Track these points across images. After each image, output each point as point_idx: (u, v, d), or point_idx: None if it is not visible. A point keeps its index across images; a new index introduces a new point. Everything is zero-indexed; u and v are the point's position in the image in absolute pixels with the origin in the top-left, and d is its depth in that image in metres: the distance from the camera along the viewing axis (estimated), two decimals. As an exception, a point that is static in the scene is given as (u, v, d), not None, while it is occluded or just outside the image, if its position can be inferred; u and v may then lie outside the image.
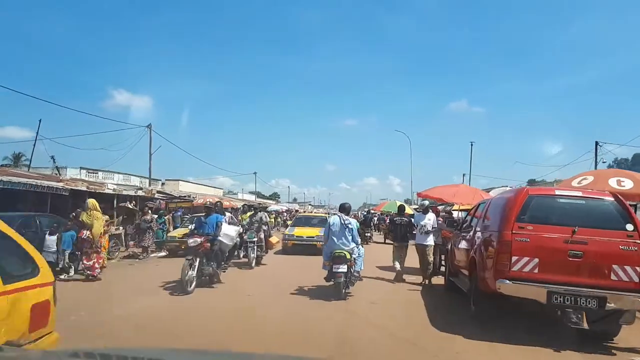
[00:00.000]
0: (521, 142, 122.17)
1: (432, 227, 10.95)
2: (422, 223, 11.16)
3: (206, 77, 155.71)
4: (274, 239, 15.93)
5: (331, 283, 8.74)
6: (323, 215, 20.78)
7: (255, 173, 64.25)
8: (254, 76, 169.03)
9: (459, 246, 8.82)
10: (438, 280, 11.04)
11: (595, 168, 32.97)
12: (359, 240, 9.29)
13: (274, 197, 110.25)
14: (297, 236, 18.26)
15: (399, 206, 14.57)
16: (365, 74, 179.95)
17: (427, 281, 10.62)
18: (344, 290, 8.59)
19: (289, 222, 34.27)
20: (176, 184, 49.95)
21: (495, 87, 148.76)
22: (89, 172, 39.25)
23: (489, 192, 21.26)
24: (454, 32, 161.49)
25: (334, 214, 10.42)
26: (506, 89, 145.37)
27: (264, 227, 14.48)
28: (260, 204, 50.85)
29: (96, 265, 10.69)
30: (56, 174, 27.68)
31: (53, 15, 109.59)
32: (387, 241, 23.64)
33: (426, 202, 11.03)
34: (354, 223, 9.43)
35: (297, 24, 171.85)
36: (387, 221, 27.17)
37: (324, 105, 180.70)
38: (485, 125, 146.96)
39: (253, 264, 13.08)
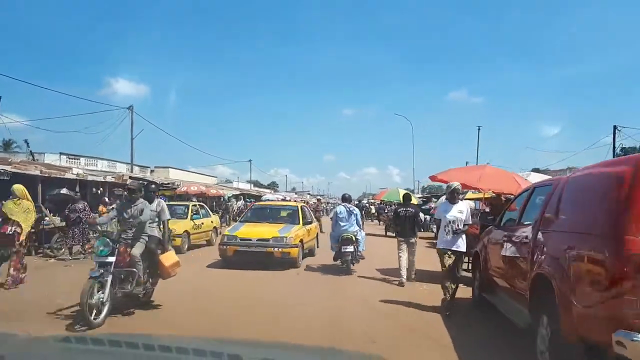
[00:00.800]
0: (525, 131, 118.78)
1: (464, 225, 7.20)
2: (450, 217, 7.18)
3: (204, 66, 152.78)
4: (168, 257, 6.96)
5: (338, 262, 10.63)
6: (294, 205, 14.22)
7: (250, 161, 61.49)
8: (252, 66, 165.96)
9: (503, 252, 5.92)
10: (461, 291, 7.96)
11: (614, 155, 30.10)
12: (362, 224, 11.30)
13: (272, 186, 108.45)
14: (241, 238, 11.03)
15: (404, 195, 11.88)
16: (363, 63, 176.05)
17: (448, 295, 7.31)
18: (351, 266, 10.49)
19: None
20: (166, 171, 47.23)
21: (496, 75, 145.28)
22: (69, 158, 36.34)
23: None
24: (453, 20, 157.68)
25: (339, 204, 12.46)
26: (509, 77, 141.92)
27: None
28: (241, 193, 48.20)
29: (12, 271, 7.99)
30: (30, 160, 24.98)
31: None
32: (389, 234, 20.84)
33: (455, 185, 7.61)
34: (357, 210, 11.49)
35: (295, 12, 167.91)
36: (387, 211, 24.33)
37: (323, 95, 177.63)
38: (486, 114, 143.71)
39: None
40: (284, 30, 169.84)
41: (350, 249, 10.34)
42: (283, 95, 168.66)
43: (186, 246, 14.08)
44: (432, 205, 26.57)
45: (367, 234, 13.36)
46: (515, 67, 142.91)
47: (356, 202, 35.12)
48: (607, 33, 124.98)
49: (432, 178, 12.17)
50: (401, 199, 12.36)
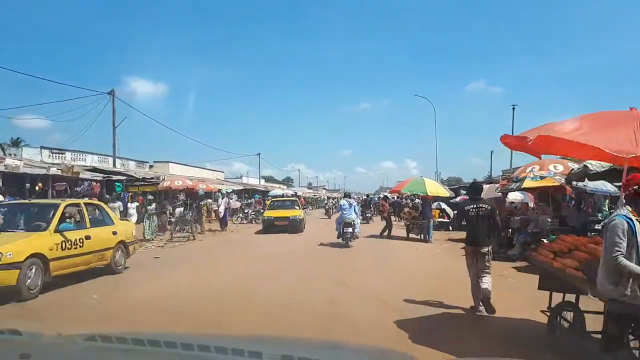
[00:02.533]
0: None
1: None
2: None
3: (219, 63, 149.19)
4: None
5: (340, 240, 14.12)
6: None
7: (259, 154, 56.87)
8: (266, 62, 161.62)
9: None
10: None
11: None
12: (359, 213, 16.12)
13: (287, 181, 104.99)
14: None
15: (473, 185, 7.93)
16: (379, 57, 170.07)
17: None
18: (349, 242, 13.85)
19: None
20: (165, 167, 43.02)
21: (514, 67, 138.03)
22: (52, 152, 32.38)
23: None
24: (470, 12, 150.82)
25: (342, 198, 20.85)
26: (525, 69, 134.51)
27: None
28: (244, 188, 43.94)
29: None
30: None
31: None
32: (412, 235, 16.10)
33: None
34: (355, 203, 15.68)
35: (309, 6, 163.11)
36: (409, 206, 19.50)
37: (339, 89, 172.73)
38: (505, 106, 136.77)
39: None
40: (298, 26, 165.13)
41: (350, 229, 13.84)
42: (299, 91, 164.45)
43: (38, 282, 7.12)
44: (463, 199, 21.77)
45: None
46: (530, 58, 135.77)
47: (364, 197, 35.39)
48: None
49: (521, 141, 6.67)
50: (428, 191, 12.83)
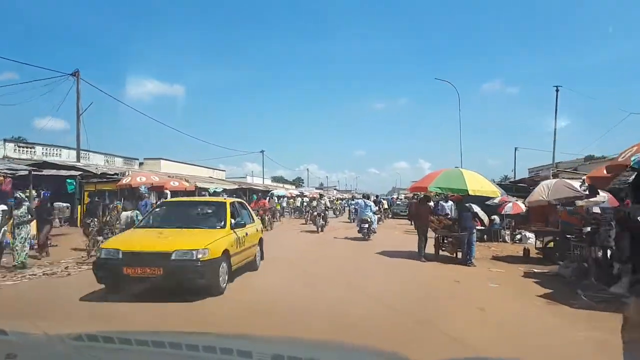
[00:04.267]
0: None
1: None
2: None
3: (232, 62, 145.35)
4: None
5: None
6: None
7: (262, 152, 52.06)
8: (278, 61, 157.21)
9: None
10: None
11: None
12: (375, 210, 17.64)
13: (298, 181, 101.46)
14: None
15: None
16: (392, 56, 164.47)
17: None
18: (367, 237, 15.46)
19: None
20: (156, 164, 38.68)
21: (529, 65, 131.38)
22: (18, 146, 28.01)
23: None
24: (485, 10, 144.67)
25: (360, 199, 20.13)
26: (540, 66, 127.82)
27: None
28: (239, 188, 38.88)
29: None
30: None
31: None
32: (443, 252, 11.06)
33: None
34: (370, 203, 17.03)
35: (323, 4, 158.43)
36: (444, 208, 14.39)
37: (353, 89, 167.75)
38: (521, 105, 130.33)
39: None
40: (311, 25, 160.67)
41: (366, 225, 15.72)
42: (312, 91, 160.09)
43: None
44: (503, 200, 16.66)
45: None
46: (551, 55, 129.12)
47: (374, 198, 30.24)
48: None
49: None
50: (470, 189, 9.70)
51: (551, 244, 11.88)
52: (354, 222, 24.26)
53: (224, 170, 52.42)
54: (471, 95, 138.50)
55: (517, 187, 21.24)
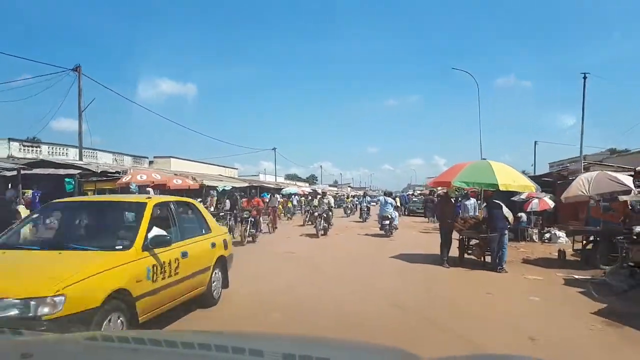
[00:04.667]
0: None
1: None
2: None
3: (246, 61, 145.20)
4: None
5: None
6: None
7: (274, 149, 50.94)
8: (291, 60, 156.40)
9: None
10: None
11: None
12: (396, 206, 18.15)
13: (311, 179, 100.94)
14: None
15: None
16: (404, 53, 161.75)
17: None
18: (389, 233, 15.94)
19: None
20: (167, 162, 37.96)
21: (544, 59, 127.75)
22: (23, 145, 27.32)
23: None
24: (494, 7, 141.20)
25: (381, 195, 22.90)
26: (556, 60, 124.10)
27: None
28: (250, 186, 37.62)
29: None
30: None
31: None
32: (467, 256, 9.75)
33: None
34: (390, 200, 17.36)
35: (333, 3, 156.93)
36: (466, 207, 13.19)
37: (366, 86, 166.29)
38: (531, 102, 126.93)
39: None
40: (323, 23, 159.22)
41: (387, 222, 16.12)
42: (326, 89, 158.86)
43: None
44: (529, 196, 15.20)
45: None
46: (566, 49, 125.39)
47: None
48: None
49: None
50: (500, 183, 8.19)
51: (589, 246, 10.47)
52: (365, 221, 22.92)
53: (237, 169, 51.57)
54: (485, 91, 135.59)
55: (541, 182, 19.73)
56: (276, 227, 18.50)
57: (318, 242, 14.69)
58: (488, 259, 9.27)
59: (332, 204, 17.32)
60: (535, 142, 49.36)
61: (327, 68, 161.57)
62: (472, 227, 9.46)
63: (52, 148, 29.24)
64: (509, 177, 8.80)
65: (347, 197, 38.77)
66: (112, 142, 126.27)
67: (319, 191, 46.66)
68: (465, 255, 9.66)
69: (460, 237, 9.71)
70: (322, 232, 16.03)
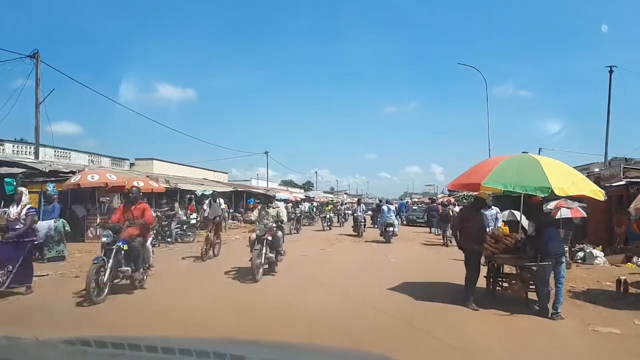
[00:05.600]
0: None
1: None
2: None
3: (243, 66, 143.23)
4: None
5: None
6: None
7: (267, 152, 48.02)
8: (287, 65, 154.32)
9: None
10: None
11: None
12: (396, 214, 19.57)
13: (307, 185, 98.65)
14: None
15: None
16: (403, 60, 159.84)
17: None
18: (390, 239, 16.05)
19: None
20: (149, 164, 35.21)
21: (541, 68, 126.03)
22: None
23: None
24: (492, 14, 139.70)
25: (385, 203, 18.59)
26: (554, 69, 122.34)
27: None
28: (235, 190, 34.44)
29: None
30: None
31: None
32: (501, 290, 6.80)
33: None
34: (393, 208, 18.12)
35: (332, 10, 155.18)
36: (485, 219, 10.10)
37: (364, 93, 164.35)
38: (535, 108, 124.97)
39: None
40: (321, 29, 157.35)
41: (390, 229, 16.24)
42: (323, 94, 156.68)
43: None
44: (558, 206, 12.34)
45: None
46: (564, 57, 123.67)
47: (377, 202, 28.73)
48: None
49: None
50: (554, 184, 5.64)
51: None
52: (361, 236, 18.62)
53: (227, 173, 48.58)
54: (482, 99, 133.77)
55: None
56: (217, 252, 11.59)
57: (249, 292, 7.51)
58: (531, 294, 6.39)
59: (284, 217, 9.68)
60: (540, 149, 46.93)
61: (326, 74, 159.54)
62: (509, 249, 6.54)
63: (17, 146, 26.29)
64: (567, 178, 5.90)
65: (328, 205, 31.68)
66: (108, 147, 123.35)
67: (315, 198, 43.29)
68: (497, 288, 6.75)
69: (489, 262, 6.80)
70: (261, 270, 8.37)
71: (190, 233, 16.06)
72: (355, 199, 35.10)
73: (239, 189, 30.37)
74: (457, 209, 17.27)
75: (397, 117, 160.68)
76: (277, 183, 66.85)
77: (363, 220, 19.56)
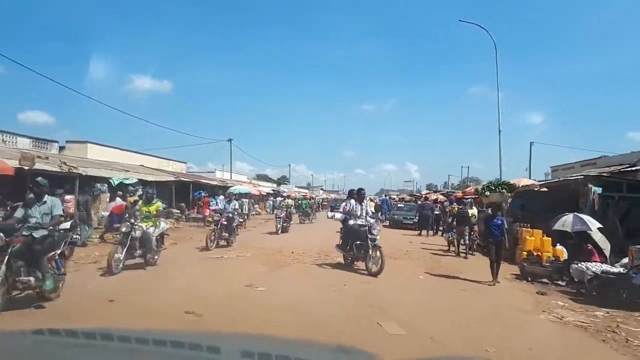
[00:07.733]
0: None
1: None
2: None
3: (224, 62, 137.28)
4: None
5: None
6: None
7: (230, 140, 41.61)
8: (267, 62, 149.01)
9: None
10: None
11: None
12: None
13: (283, 180, 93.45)
14: None
15: None
16: (382, 59, 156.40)
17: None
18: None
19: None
20: (82, 148, 28.94)
21: (518, 70, 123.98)
22: None
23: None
24: (475, 14, 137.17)
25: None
26: (531, 71, 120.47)
27: None
28: (178, 179, 28.29)
29: None
30: None
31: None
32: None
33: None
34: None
35: (312, 8, 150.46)
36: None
37: (342, 90, 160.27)
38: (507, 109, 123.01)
39: None
40: (301, 26, 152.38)
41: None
42: (304, 92, 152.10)
43: None
44: None
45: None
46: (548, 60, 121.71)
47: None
48: None
49: None
50: None
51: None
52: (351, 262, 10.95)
53: (185, 162, 42.20)
54: (460, 96, 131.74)
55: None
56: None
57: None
58: None
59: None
60: (531, 143, 42.27)
61: (305, 70, 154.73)
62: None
63: None
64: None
65: (285, 200, 25.47)
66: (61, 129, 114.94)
67: (286, 193, 37.52)
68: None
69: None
70: None
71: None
72: (332, 196, 28.75)
73: (182, 179, 24.15)
74: (474, 210, 11.79)
75: (375, 114, 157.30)
76: (252, 177, 60.94)
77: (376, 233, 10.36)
